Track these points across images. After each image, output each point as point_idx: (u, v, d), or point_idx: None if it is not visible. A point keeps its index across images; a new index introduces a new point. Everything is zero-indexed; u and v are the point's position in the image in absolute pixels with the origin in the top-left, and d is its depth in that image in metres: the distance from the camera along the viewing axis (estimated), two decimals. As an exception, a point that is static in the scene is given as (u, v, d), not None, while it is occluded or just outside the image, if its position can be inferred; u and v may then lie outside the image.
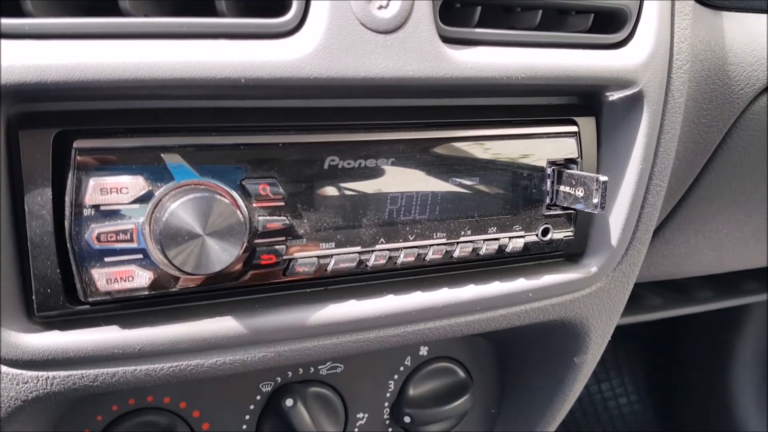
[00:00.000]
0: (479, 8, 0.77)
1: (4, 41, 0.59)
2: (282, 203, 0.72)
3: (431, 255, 0.81)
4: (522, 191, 0.84)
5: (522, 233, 0.85)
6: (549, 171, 0.85)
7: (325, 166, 0.73)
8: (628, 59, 0.84)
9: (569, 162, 0.86)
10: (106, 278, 0.66)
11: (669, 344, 2.38)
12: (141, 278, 0.67)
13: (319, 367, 0.91)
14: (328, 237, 0.75)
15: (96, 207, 0.64)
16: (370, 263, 0.78)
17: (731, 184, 1.16)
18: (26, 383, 0.68)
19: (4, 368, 0.67)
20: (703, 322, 2.18)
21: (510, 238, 0.85)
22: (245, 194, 0.70)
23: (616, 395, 2.44)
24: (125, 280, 0.67)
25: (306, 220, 0.73)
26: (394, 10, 0.69)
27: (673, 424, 2.41)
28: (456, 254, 0.82)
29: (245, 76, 0.65)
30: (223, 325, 0.72)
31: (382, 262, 0.78)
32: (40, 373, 0.68)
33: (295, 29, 0.68)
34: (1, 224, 0.63)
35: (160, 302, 0.71)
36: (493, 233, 0.84)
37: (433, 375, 1.03)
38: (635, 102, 0.87)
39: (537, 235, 0.86)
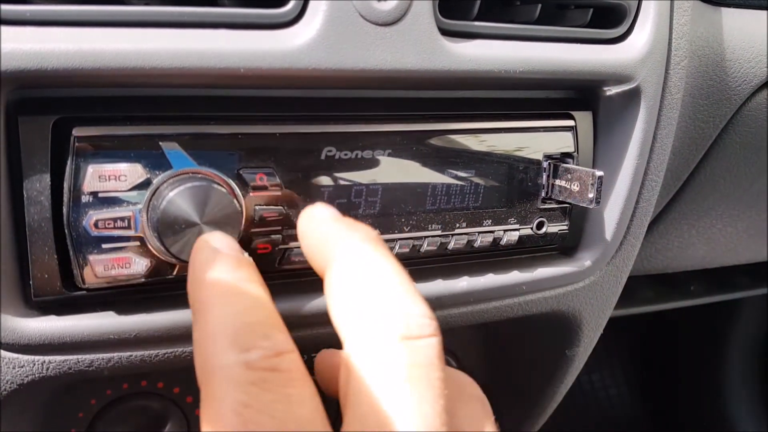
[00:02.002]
0: (478, 1, 0.77)
1: (4, 27, 0.59)
2: (278, 193, 0.72)
3: (426, 246, 0.81)
4: (518, 184, 0.85)
5: (517, 226, 0.86)
6: (545, 165, 0.86)
7: (322, 157, 0.74)
8: (626, 54, 0.84)
9: (565, 156, 0.87)
10: (103, 265, 0.66)
11: (661, 337, 2.39)
12: (138, 265, 0.68)
13: (312, 354, 0.91)
14: (323, 227, 0.75)
15: (94, 194, 0.65)
16: (366, 254, 0.78)
17: (726, 180, 1.16)
18: (22, 367, 0.68)
19: (1, 352, 0.67)
20: (695, 315, 2.18)
21: (505, 230, 0.85)
22: (242, 183, 0.70)
23: (606, 386, 2.46)
24: (122, 267, 0.67)
25: (302, 210, 0.74)
26: (394, 2, 0.70)
27: (662, 416, 2.42)
28: (451, 246, 0.82)
29: (244, 66, 0.66)
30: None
31: (377, 252, 0.78)
32: (36, 358, 0.68)
33: (294, 20, 0.68)
34: (0, 210, 0.63)
35: (157, 289, 0.72)
36: (488, 226, 0.84)
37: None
38: (632, 97, 0.87)
39: (532, 228, 0.87)
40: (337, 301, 0.57)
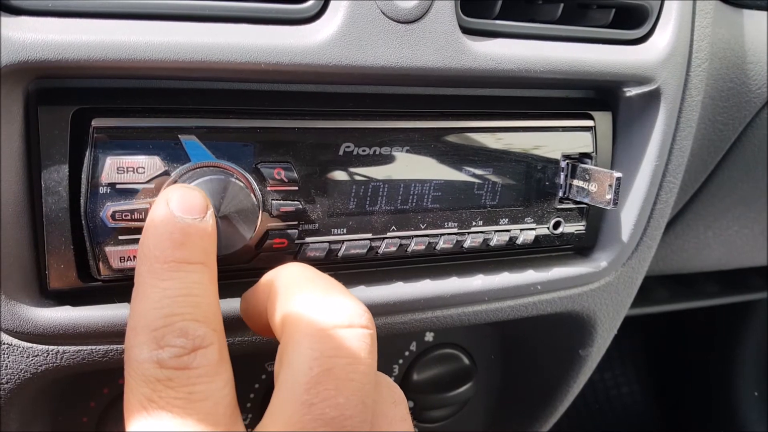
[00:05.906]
0: (500, 0, 0.77)
1: (27, 18, 0.60)
2: (296, 188, 0.72)
3: (442, 244, 0.81)
4: (535, 184, 0.84)
5: (533, 226, 0.85)
6: (563, 164, 0.85)
7: (340, 153, 0.73)
8: (647, 56, 0.84)
9: (584, 156, 0.86)
10: (119, 256, 0.66)
11: (673, 337, 2.38)
12: (154, 257, 0.68)
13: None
14: (340, 223, 0.75)
15: (112, 185, 0.65)
16: (381, 250, 0.78)
17: (743, 182, 1.16)
18: (36, 356, 0.68)
19: (15, 341, 0.67)
20: (709, 316, 2.18)
21: (521, 230, 0.85)
22: (260, 177, 0.70)
23: (618, 384, 2.45)
24: (138, 259, 0.67)
25: (319, 206, 0.74)
26: (416, 0, 0.69)
27: (674, 415, 2.41)
28: (466, 244, 0.82)
29: (265, 61, 0.65)
30: (232, 306, 0.72)
31: (393, 249, 0.78)
32: (51, 347, 0.68)
33: (316, 16, 0.68)
34: (18, 199, 0.63)
35: (172, 281, 0.72)
36: (505, 225, 0.84)
37: (438, 361, 1.03)
38: (652, 99, 0.86)
39: (548, 228, 0.86)
40: (275, 312, 0.59)
